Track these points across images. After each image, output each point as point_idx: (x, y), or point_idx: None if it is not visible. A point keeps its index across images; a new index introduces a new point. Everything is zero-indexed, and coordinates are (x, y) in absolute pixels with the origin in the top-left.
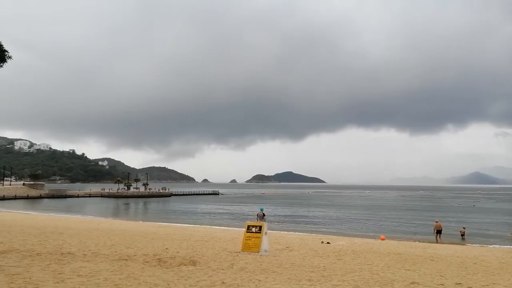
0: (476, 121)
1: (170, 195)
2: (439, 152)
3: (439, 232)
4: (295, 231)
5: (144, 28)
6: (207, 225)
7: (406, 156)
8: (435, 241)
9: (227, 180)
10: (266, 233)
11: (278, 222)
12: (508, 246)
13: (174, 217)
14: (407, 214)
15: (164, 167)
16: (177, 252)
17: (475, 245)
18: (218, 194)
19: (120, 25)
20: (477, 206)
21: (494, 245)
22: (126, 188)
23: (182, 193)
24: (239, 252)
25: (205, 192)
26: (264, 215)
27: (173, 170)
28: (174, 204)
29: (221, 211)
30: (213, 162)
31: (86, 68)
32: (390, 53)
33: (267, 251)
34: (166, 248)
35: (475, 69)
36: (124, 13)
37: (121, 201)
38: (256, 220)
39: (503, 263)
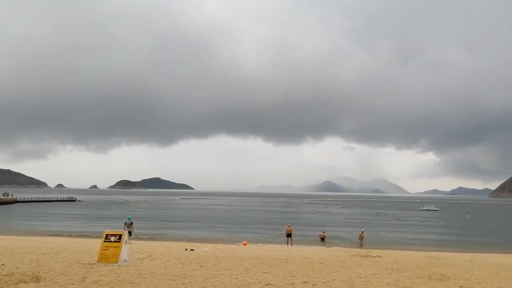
0: (330, 135)
1: (14, 201)
2: (299, 162)
3: (289, 235)
4: (159, 239)
5: None
6: (59, 235)
7: (271, 164)
8: (286, 244)
9: (87, 185)
10: (126, 242)
11: (142, 230)
12: (347, 248)
13: (16, 227)
14: (268, 219)
15: (8, 170)
16: (17, 268)
17: (323, 247)
18: (75, 200)
19: None
20: (328, 211)
21: (338, 246)
22: None
23: (29, 200)
24: (94, 263)
25: (59, 199)
26: (132, 223)
27: (19, 173)
28: (18, 213)
29: (77, 219)
30: (69, 165)
31: None
32: (261, 67)
33: (126, 261)
34: (2, 264)
35: (331, 89)
36: None
37: None
38: (123, 229)
39: (342, 261)
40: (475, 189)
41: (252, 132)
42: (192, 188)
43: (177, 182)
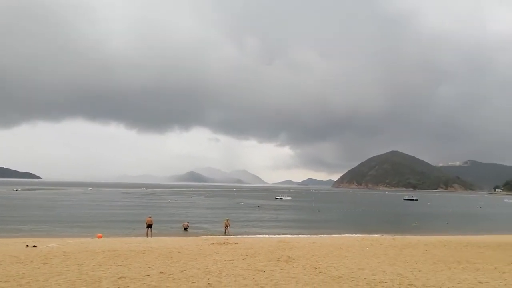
0: (198, 126)
1: None
2: (164, 152)
3: (150, 226)
4: None
5: None
6: None
7: (133, 153)
8: (146, 235)
9: None
10: None
11: None
12: (208, 236)
13: None
14: (128, 210)
15: None
16: None
17: (184, 237)
18: None
19: None
20: (192, 201)
21: (200, 236)
22: None
23: None
24: None
25: None
26: None
27: None
28: None
29: None
30: None
31: None
32: (127, 48)
33: None
34: None
35: (201, 79)
36: None
37: None
38: None
39: (201, 249)
40: (322, 180)
41: (114, 118)
42: (39, 178)
43: (20, 170)
